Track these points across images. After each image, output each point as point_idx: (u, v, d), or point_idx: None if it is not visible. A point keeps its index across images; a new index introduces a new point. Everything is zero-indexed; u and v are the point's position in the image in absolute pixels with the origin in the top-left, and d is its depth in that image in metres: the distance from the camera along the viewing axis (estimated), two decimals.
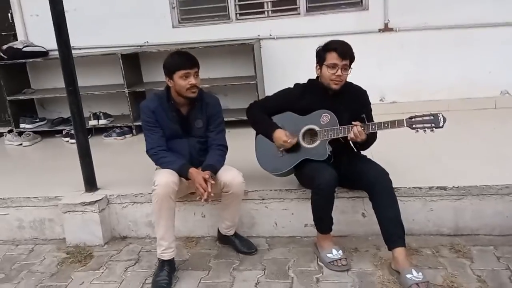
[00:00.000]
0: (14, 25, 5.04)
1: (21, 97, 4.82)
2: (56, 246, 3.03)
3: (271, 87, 4.38)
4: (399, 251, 2.35)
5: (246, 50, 4.39)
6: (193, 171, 2.51)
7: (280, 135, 2.64)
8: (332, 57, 2.52)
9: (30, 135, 4.62)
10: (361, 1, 4.49)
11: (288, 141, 2.61)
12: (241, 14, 4.72)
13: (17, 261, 2.91)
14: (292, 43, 4.58)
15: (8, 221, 3.16)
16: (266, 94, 4.01)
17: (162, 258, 2.54)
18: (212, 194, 2.45)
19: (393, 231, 2.38)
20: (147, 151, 2.64)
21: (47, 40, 4.63)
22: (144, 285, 2.53)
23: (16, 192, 3.20)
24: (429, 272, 2.36)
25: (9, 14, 5.02)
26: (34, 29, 4.97)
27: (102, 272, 2.69)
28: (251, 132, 2.87)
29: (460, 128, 3.73)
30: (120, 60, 4.41)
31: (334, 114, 2.57)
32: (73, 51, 3.07)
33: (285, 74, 4.49)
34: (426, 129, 2.37)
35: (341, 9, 4.52)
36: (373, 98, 2.80)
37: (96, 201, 2.93)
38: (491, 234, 2.69)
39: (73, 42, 3.08)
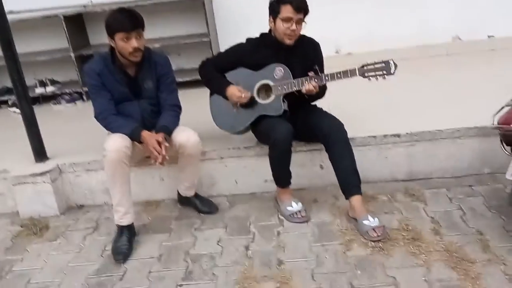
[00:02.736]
0: None
1: None
2: (10, 220, 2.92)
3: (225, 43, 4.23)
4: (356, 199, 2.39)
5: (197, 6, 4.23)
6: (145, 134, 2.42)
7: (233, 91, 2.59)
8: (286, 10, 2.44)
9: None
10: None
11: (242, 96, 2.57)
12: None
13: None
14: None
15: None
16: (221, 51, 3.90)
17: (120, 224, 2.49)
18: (167, 157, 2.38)
19: (349, 181, 2.41)
20: (95, 116, 2.52)
21: None
22: (104, 252, 2.48)
23: None
24: (385, 217, 2.43)
25: None
26: None
27: (60, 243, 2.62)
28: (206, 92, 2.80)
29: (413, 76, 3.78)
30: (63, 23, 4.16)
31: (287, 68, 2.53)
32: (11, 15, 2.87)
33: (239, 29, 4.31)
34: (378, 76, 2.37)
35: None
36: (328, 50, 2.78)
37: (47, 172, 2.82)
38: (443, 176, 2.78)
39: (10, 5, 2.86)
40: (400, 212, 2.50)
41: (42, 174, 2.81)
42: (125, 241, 2.45)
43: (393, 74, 2.36)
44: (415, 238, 2.25)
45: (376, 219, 2.31)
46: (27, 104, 2.88)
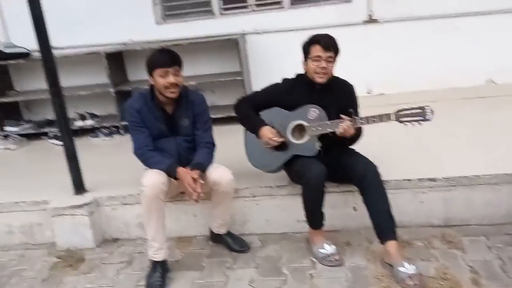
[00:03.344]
0: None
1: (5, 100, 4.73)
2: (47, 251, 2.98)
3: (258, 82, 4.37)
4: (391, 245, 2.35)
5: (231, 45, 4.37)
6: (181, 170, 2.47)
7: (266, 132, 2.62)
8: (315, 50, 2.52)
9: (16, 138, 4.55)
10: None
11: (274, 139, 2.60)
12: (225, 9, 4.68)
13: (7, 267, 2.86)
14: (277, 37, 4.56)
15: None
16: (254, 89, 3.98)
17: (154, 260, 2.52)
18: (201, 194, 2.43)
19: (384, 225, 2.39)
20: (134, 152, 2.60)
21: (29, 41, 4.52)
22: (137, 287, 2.51)
23: (3, 197, 3.15)
24: (421, 264, 2.37)
25: None
26: (15, 29, 4.88)
27: (95, 276, 2.66)
28: (239, 129, 2.85)
29: (447, 118, 3.75)
30: (105, 59, 4.35)
31: (322, 109, 2.56)
32: (56, 51, 3.02)
33: (271, 68, 4.47)
34: (414, 122, 2.37)
35: (325, 1, 4.51)
36: (360, 91, 2.80)
37: (85, 204, 2.89)
38: (481, 224, 2.70)
39: (55, 41, 3.02)
40: (437, 260, 2.43)
41: (80, 206, 2.88)
42: (159, 277, 2.46)
43: (429, 120, 2.36)
44: (453, 287, 2.19)
45: (412, 266, 2.26)
46: (69, 137, 2.98)
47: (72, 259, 2.82)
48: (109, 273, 2.67)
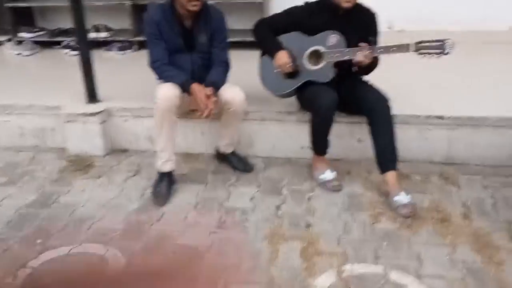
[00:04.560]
0: None
1: (20, 4, 4.66)
2: (57, 155, 3.09)
3: (277, 6, 4.23)
4: (390, 175, 2.43)
5: None
6: (195, 86, 2.50)
7: (281, 56, 2.60)
8: None
9: (29, 44, 4.54)
10: None
11: (288, 66, 2.58)
12: None
13: (19, 166, 2.98)
14: None
15: (10, 128, 3.21)
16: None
17: (161, 170, 2.62)
18: (213, 111, 2.47)
19: (386, 156, 2.45)
20: (150, 64, 2.60)
21: None
22: (144, 194, 2.63)
23: (17, 99, 3.22)
24: (417, 196, 2.45)
25: None
26: None
27: (103, 181, 2.78)
28: (254, 54, 2.83)
29: (467, 60, 3.67)
30: None
31: (342, 36, 2.53)
32: None
33: None
34: (433, 54, 2.35)
35: None
36: (380, 26, 2.74)
37: (97, 113, 2.96)
38: (481, 164, 2.76)
39: None
40: (432, 193, 2.52)
41: (93, 114, 2.96)
42: (165, 187, 2.58)
43: (447, 54, 2.33)
44: (444, 219, 2.29)
45: (408, 196, 2.35)
46: (85, 46, 3.00)
47: (81, 164, 2.94)
48: (117, 180, 2.79)
